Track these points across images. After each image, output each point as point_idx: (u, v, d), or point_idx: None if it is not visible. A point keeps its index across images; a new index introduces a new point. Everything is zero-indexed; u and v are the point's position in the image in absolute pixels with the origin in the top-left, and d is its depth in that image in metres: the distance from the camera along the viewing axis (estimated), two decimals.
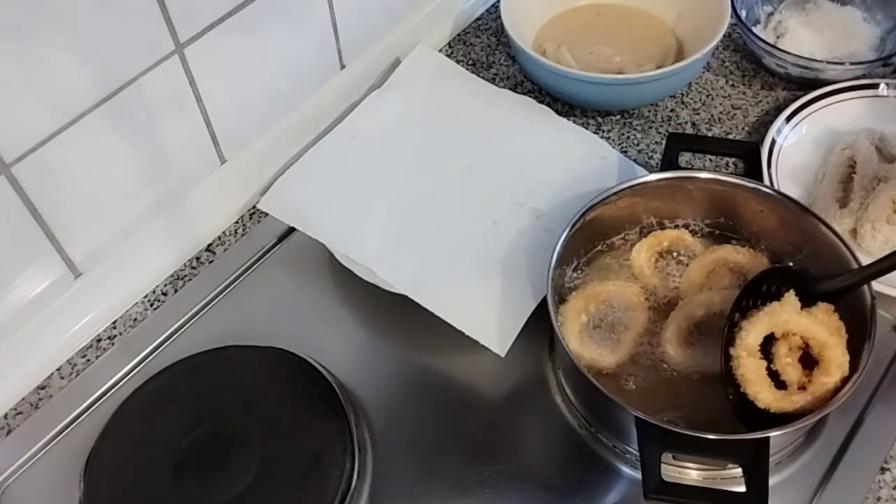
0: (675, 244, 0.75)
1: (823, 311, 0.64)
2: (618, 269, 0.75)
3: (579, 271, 0.75)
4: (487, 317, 0.73)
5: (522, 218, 0.81)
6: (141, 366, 0.76)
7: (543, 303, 0.68)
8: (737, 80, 0.97)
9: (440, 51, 1.01)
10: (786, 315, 0.62)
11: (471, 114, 0.91)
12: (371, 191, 0.84)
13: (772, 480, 0.58)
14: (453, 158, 0.86)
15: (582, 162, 0.86)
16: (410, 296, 0.74)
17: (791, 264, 0.72)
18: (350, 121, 0.89)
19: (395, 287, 0.75)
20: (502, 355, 0.71)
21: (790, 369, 0.63)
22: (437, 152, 0.87)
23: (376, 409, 0.72)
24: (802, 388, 0.62)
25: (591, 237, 0.75)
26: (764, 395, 0.61)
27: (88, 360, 0.77)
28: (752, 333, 0.62)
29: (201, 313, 0.79)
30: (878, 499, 0.66)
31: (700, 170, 0.79)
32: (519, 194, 0.83)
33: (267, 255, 0.83)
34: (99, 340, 0.78)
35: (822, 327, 0.63)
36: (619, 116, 0.94)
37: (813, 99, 0.88)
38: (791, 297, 0.63)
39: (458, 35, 1.04)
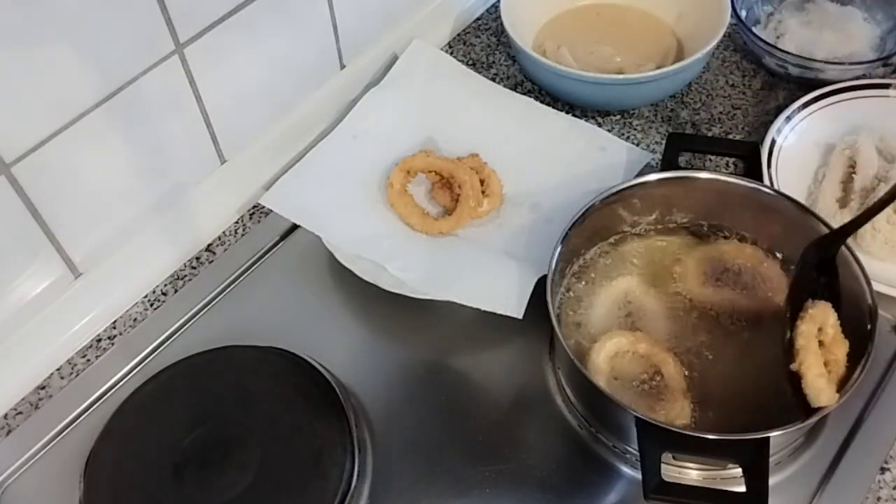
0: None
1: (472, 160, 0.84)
2: (617, 268, 0.75)
3: (580, 270, 0.75)
4: (498, 291, 0.74)
5: (523, 213, 0.82)
6: (141, 366, 0.76)
7: (543, 302, 0.67)
8: (737, 80, 0.97)
9: (440, 50, 1.01)
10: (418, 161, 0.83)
11: (468, 109, 0.91)
12: (376, 190, 0.84)
13: (772, 480, 0.58)
14: (455, 154, 0.86)
15: (581, 155, 0.86)
16: (424, 291, 0.74)
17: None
18: (350, 120, 0.89)
19: (405, 283, 0.75)
20: (520, 317, 0.71)
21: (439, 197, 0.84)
22: (438, 148, 0.88)
23: (376, 409, 0.72)
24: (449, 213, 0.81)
25: (590, 236, 0.75)
26: (414, 220, 0.81)
27: (88, 360, 0.77)
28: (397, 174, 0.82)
29: (201, 313, 0.79)
30: (878, 499, 0.66)
31: (700, 170, 0.79)
32: (519, 189, 0.84)
33: (267, 255, 0.83)
34: (99, 340, 0.78)
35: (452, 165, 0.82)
36: (619, 116, 0.94)
37: (813, 99, 0.88)
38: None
39: (458, 35, 1.04)
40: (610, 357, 0.68)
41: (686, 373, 0.68)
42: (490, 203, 0.82)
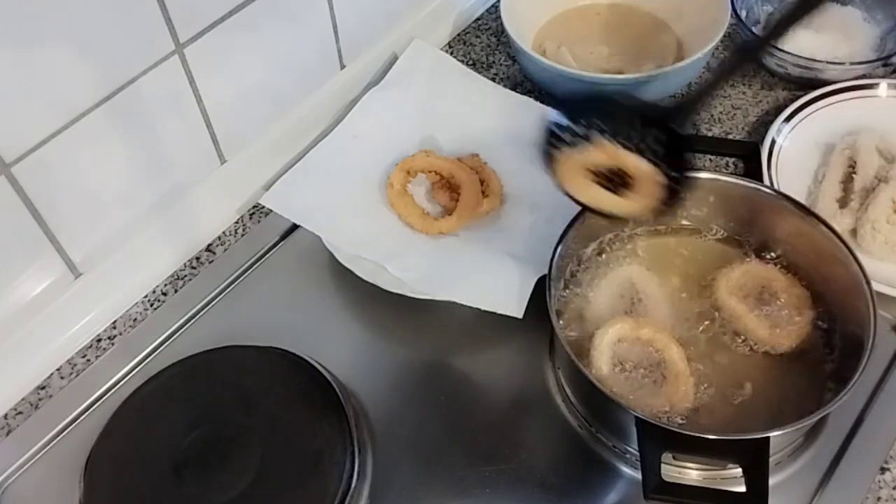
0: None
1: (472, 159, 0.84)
2: (615, 269, 0.75)
3: (580, 270, 0.75)
4: (498, 290, 0.74)
5: (523, 213, 0.82)
6: (141, 366, 0.76)
7: (543, 301, 0.67)
8: (737, 80, 0.97)
9: (440, 50, 1.01)
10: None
11: (468, 109, 0.91)
12: (376, 190, 0.84)
13: (772, 480, 0.58)
14: (454, 154, 0.87)
15: None
16: (424, 291, 0.74)
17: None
18: (350, 120, 0.88)
19: (406, 283, 0.75)
20: (520, 317, 0.71)
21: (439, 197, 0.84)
22: (438, 148, 0.88)
23: (376, 409, 0.72)
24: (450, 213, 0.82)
25: (590, 236, 0.75)
26: (413, 220, 0.81)
27: (88, 360, 0.77)
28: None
29: (201, 313, 0.79)
30: (878, 499, 0.66)
31: (700, 170, 0.79)
32: (519, 189, 0.84)
33: (267, 255, 0.83)
34: (99, 340, 0.78)
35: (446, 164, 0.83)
36: None
37: (813, 99, 0.88)
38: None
39: (458, 35, 1.04)
40: (613, 343, 0.68)
41: (688, 357, 0.68)
42: (490, 203, 0.82)
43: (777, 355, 0.69)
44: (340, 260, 0.77)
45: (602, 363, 0.67)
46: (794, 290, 0.71)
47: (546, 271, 0.70)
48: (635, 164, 0.65)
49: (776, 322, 0.70)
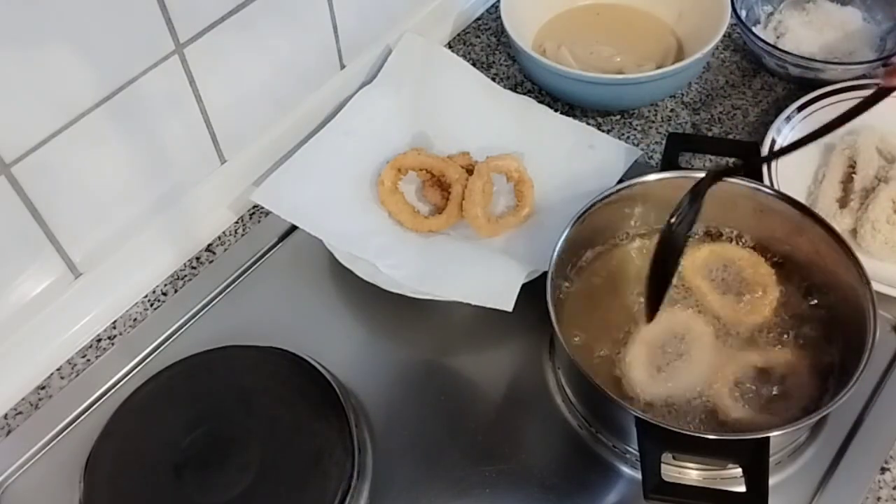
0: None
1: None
2: (614, 271, 0.75)
3: (580, 270, 0.75)
4: (487, 285, 0.73)
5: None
6: (141, 366, 0.76)
7: (543, 302, 0.67)
8: (737, 80, 0.97)
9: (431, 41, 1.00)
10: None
11: (459, 106, 0.90)
12: (367, 187, 0.84)
13: (772, 480, 0.58)
14: (445, 151, 0.87)
15: (570, 153, 0.86)
16: (415, 288, 0.74)
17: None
18: (342, 116, 0.88)
19: (398, 281, 0.75)
20: (510, 310, 0.71)
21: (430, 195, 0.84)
22: (430, 145, 0.88)
23: (376, 409, 0.72)
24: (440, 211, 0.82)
25: (589, 237, 0.75)
26: (404, 217, 0.81)
27: (88, 360, 0.77)
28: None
29: (201, 313, 0.79)
30: (878, 499, 0.66)
31: (700, 170, 0.79)
32: (510, 186, 0.84)
33: (267, 255, 0.83)
34: (99, 340, 0.78)
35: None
36: (619, 116, 0.94)
37: (813, 99, 0.88)
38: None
39: (458, 35, 1.04)
40: None
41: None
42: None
43: (777, 355, 0.69)
44: (340, 260, 0.77)
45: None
46: (759, 269, 0.72)
47: (536, 266, 0.70)
48: None
49: (739, 299, 0.71)
